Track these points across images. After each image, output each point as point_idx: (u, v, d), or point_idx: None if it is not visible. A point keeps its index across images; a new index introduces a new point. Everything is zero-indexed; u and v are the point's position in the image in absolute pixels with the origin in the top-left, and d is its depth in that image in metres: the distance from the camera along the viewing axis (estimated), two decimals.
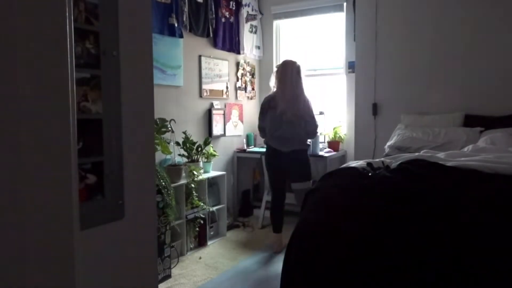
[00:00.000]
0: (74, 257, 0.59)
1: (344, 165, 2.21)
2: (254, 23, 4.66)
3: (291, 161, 3.25)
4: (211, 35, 4.00)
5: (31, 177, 0.57)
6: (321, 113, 4.38)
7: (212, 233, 3.76)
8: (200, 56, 3.92)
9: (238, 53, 4.41)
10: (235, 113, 4.43)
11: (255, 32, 4.70)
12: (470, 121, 3.18)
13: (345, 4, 4.23)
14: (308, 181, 3.27)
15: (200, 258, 3.29)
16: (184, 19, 3.62)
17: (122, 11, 0.78)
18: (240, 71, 4.50)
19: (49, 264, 0.59)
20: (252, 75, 4.73)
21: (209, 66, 4.04)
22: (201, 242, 3.55)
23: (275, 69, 3.56)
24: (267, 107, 3.35)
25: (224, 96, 4.27)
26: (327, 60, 4.54)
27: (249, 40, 4.57)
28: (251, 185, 4.67)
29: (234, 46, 4.34)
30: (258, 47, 4.75)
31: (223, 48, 4.18)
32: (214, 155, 3.85)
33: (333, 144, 4.22)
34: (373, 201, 1.64)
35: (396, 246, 1.45)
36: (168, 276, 2.91)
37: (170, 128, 3.33)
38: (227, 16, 4.23)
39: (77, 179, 0.61)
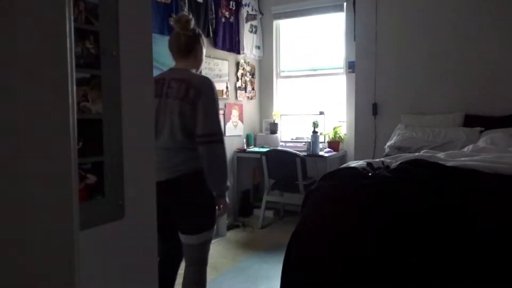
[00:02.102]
0: (74, 257, 0.59)
1: (344, 165, 2.21)
2: (254, 23, 4.66)
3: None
4: (211, 35, 4.00)
5: (31, 177, 0.57)
6: (321, 113, 4.39)
7: None
8: None
9: (238, 53, 4.41)
10: (235, 113, 4.43)
11: (255, 32, 4.70)
12: (470, 121, 3.18)
13: (345, 4, 4.23)
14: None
15: None
16: None
17: (122, 11, 0.78)
18: (240, 71, 4.50)
19: (49, 264, 0.59)
20: (252, 75, 4.73)
21: (209, 66, 4.04)
22: None
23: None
24: None
25: (224, 96, 4.26)
26: (327, 60, 4.54)
27: (249, 40, 4.57)
28: (251, 185, 4.67)
29: (234, 46, 4.34)
30: (258, 47, 4.75)
31: (223, 48, 4.18)
32: None
33: (333, 144, 4.22)
34: (373, 201, 1.64)
35: (396, 246, 1.45)
36: None
37: None
38: (227, 16, 4.23)
39: (77, 179, 0.61)
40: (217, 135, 1.77)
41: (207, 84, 1.85)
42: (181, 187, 1.79)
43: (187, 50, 1.92)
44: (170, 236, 1.90)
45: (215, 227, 1.96)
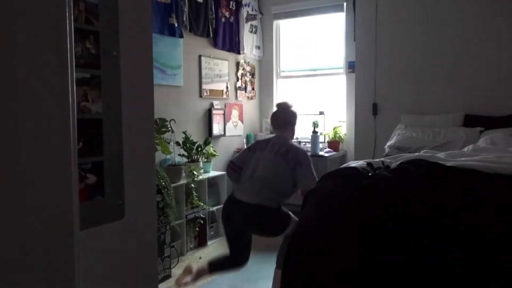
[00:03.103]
0: (74, 257, 0.59)
1: (344, 165, 2.21)
2: (254, 23, 4.66)
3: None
4: (211, 35, 4.00)
5: (31, 177, 0.57)
6: (321, 113, 4.39)
7: (212, 233, 3.76)
8: (200, 56, 3.92)
9: (238, 53, 4.41)
10: (235, 113, 4.43)
11: (255, 32, 4.70)
12: (470, 121, 3.18)
13: (345, 4, 4.23)
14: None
15: (200, 258, 3.29)
16: (184, 19, 3.62)
17: (122, 11, 0.78)
18: (240, 71, 4.50)
19: (49, 264, 0.59)
20: (252, 75, 4.73)
21: (209, 66, 4.04)
22: (201, 242, 3.55)
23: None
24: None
25: (224, 96, 4.27)
26: (327, 60, 4.54)
27: (249, 40, 4.57)
28: None
29: (234, 46, 4.34)
30: (258, 47, 4.75)
31: (223, 48, 4.18)
32: (214, 155, 3.85)
33: (333, 144, 4.22)
34: (373, 201, 1.64)
35: (397, 246, 1.45)
36: (168, 276, 2.91)
37: (170, 128, 3.33)
38: (227, 16, 4.23)
39: (77, 179, 0.61)
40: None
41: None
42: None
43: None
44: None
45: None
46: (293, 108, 2.75)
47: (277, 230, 2.54)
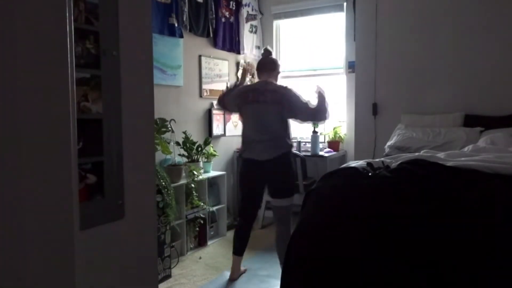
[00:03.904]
0: (74, 257, 0.59)
1: (344, 165, 2.21)
2: (254, 23, 4.66)
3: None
4: (211, 35, 4.00)
5: (31, 177, 0.57)
6: None
7: (212, 233, 3.76)
8: (200, 56, 3.92)
9: (238, 53, 4.41)
10: None
11: (255, 32, 4.69)
12: (470, 121, 3.18)
13: (345, 4, 4.23)
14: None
15: (200, 258, 3.29)
16: (184, 19, 3.62)
17: (122, 11, 0.78)
18: (240, 71, 4.50)
19: (49, 264, 0.59)
20: (252, 75, 4.73)
21: (209, 66, 4.04)
22: (201, 242, 3.55)
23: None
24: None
25: None
26: (327, 60, 4.54)
27: (249, 40, 4.57)
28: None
29: (234, 46, 4.34)
30: (258, 47, 4.75)
31: (223, 48, 4.18)
32: (214, 155, 3.85)
33: (333, 144, 4.22)
34: (373, 201, 1.64)
35: (397, 246, 1.45)
36: (168, 276, 2.91)
37: (170, 128, 3.33)
38: (227, 16, 4.23)
39: (77, 179, 0.62)
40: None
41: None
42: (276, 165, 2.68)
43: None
44: (260, 202, 2.94)
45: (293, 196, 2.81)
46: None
47: (289, 184, 2.80)
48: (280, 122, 2.72)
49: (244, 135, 2.81)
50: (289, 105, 2.68)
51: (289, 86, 2.78)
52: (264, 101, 2.70)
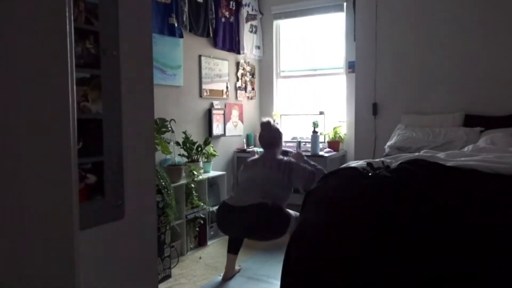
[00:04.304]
0: (74, 257, 0.59)
1: (344, 165, 2.21)
2: (254, 23, 4.66)
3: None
4: (211, 35, 4.00)
5: (31, 177, 0.57)
6: (321, 113, 4.39)
7: (212, 233, 3.76)
8: (200, 56, 3.92)
9: (238, 53, 4.41)
10: (235, 113, 4.43)
11: (255, 32, 4.70)
12: (470, 121, 3.18)
13: (345, 4, 4.23)
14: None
15: (200, 258, 3.29)
16: (184, 19, 3.62)
17: (122, 11, 0.78)
18: (240, 71, 4.50)
19: (49, 264, 0.59)
20: (252, 75, 4.73)
21: (209, 66, 4.04)
22: (201, 242, 3.55)
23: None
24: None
25: (224, 96, 4.26)
26: (327, 60, 4.54)
27: (249, 40, 4.57)
28: None
29: (234, 46, 4.34)
30: (258, 47, 4.75)
31: (223, 48, 4.18)
32: (214, 155, 3.85)
33: (333, 144, 4.22)
34: (373, 201, 1.64)
35: (397, 246, 1.45)
36: (168, 276, 2.91)
37: (170, 128, 3.33)
38: (227, 16, 4.23)
39: (77, 179, 0.61)
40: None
41: None
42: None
43: None
44: None
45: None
46: (277, 126, 2.99)
47: (280, 228, 2.63)
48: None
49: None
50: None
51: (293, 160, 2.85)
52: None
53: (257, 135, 4.64)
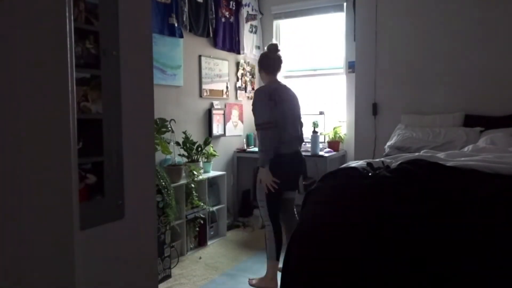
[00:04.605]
0: (74, 257, 0.59)
1: (344, 165, 2.21)
2: (254, 23, 4.66)
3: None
4: (211, 35, 4.00)
5: (31, 177, 0.57)
6: (321, 113, 4.38)
7: (212, 233, 3.76)
8: (200, 56, 3.92)
9: (238, 53, 4.41)
10: (235, 113, 4.43)
11: (255, 32, 4.69)
12: (470, 121, 3.18)
13: (345, 4, 4.23)
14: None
15: (200, 258, 3.29)
16: (184, 19, 3.62)
17: (122, 11, 0.78)
18: (240, 71, 4.50)
19: (49, 264, 0.59)
20: (252, 75, 4.73)
21: (209, 66, 4.04)
22: (201, 242, 3.55)
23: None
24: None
25: (224, 96, 4.26)
26: (327, 60, 4.54)
27: (249, 40, 4.57)
28: (251, 185, 4.66)
29: (234, 46, 4.34)
30: (258, 47, 4.75)
31: (223, 48, 4.18)
32: (214, 155, 3.85)
33: (333, 144, 4.21)
34: (373, 201, 1.64)
35: (397, 246, 1.45)
36: (168, 276, 2.91)
37: (170, 128, 3.33)
38: (227, 16, 4.23)
39: (77, 179, 0.61)
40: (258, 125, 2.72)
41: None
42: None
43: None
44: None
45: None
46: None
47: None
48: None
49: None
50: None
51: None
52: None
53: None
